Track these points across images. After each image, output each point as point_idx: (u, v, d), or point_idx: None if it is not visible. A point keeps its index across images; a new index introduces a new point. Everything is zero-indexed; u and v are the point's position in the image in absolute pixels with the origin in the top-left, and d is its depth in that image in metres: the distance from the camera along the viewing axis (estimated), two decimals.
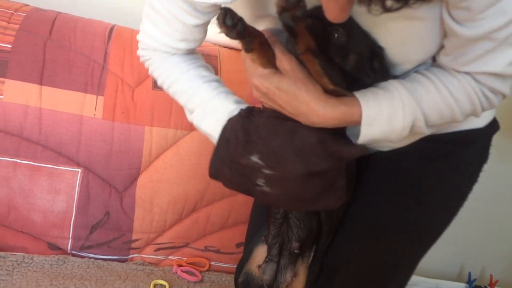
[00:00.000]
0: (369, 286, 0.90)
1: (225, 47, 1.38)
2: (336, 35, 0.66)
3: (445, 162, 0.82)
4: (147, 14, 0.80)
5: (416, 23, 0.64)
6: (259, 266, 0.91)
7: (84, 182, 1.21)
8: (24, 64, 1.18)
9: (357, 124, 0.68)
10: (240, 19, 0.62)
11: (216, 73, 1.31)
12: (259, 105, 0.81)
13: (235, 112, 0.75)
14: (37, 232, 1.19)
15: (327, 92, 0.68)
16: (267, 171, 0.71)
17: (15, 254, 1.14)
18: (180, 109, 1.24)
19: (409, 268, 0.91)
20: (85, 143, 1.20)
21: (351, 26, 0.67)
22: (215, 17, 0.63)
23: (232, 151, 0.73)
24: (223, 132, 0.74)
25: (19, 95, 1.17)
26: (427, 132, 0.70)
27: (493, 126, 0.83)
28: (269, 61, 0.68)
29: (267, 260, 0.90)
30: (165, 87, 0.85)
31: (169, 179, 1.24)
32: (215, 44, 1.37)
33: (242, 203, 1.29)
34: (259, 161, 0.71)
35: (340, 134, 0.73)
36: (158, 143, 1.24)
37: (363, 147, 0.72)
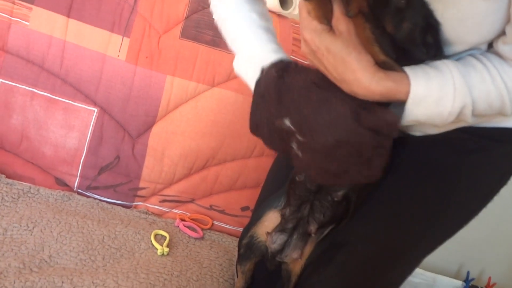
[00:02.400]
0: (370, 270, 0.86)
1: None
2: None
3: (479, 158, 0.78)
4: None
5: (478, 1, 0.60)
6: (269, 233, 0.89)
7: (98, 123, 1.19)
8: None
9: (402, 101, 0.65)
10: None
11: None
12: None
13: (269, 60, 0.73)
14: (46, 165, 1.19)
15: (377, 63, 0.64)
16: (299, 137, 0.69)
17: (22, 183, 1.15)
18: (204, 63, 1.23)
19: (415, 260, 0.88)
20: (104, 83, 1.18)
21: None
22: None
23: (268, 109, 0.71)
24: (257, 87, 0.72)
25: (45, 24, 1.15)
26: (470, 121, 0.66)
27: None
28: (326, 16, 0.64)
29: (279, 230, 0.88)
30: (218, 25, 0.86)
31: (183, 132, 1.22)
32: None
33: (253, 168, 1.27)
34: (291, 126, 0.69)
35: (381, 107, 0.67)
36: (178, 94, 1.22)
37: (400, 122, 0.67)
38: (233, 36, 0.80)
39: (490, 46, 0.67)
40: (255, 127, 0.75)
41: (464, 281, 1.72)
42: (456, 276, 1.80)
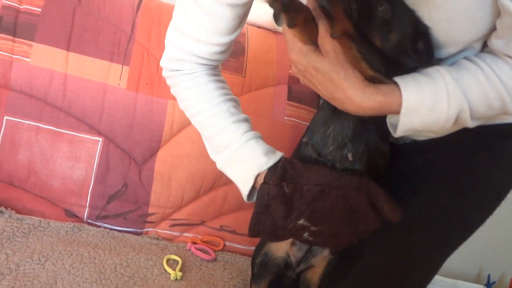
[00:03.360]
0: (388, 281, 0.85)
1: (253, 25, 1.35)
2: (380, 8, 0.62)
3: (487, 156, 0.77)
4: (180, 9, 0.80)
5: None
6: (293, 243, 0.89)
7: (104, 152, 1.20)
8: (53, 28, 1.18)
9: (396, 113, 0.64)
10: None
11: (243, 51, 1.29)
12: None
13: (265, 167, 0.75)
14: (55, 198, 1.19)
15: (366, 78, 0.64)
16: (313, 228, 0.74)
17: (32, 218, 1.15)
18: None
19: (433, 267, 0.85)
20: (107, 112, 1.20)
21: (396, 1, 0.63)
22: None
23: (275, 218, 0.74)
24: (260, 199, 0.74)
25: (45, 59, 1.17)
26: (471, 125, 0.66)
27: None
28: (311, 38, 0.65)
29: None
30: (188, 114, 0.86)
31: (188, 155, 1.23)
32: None
33: None
34: (306, 223, 0.73)
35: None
36: (180, 117, 1.22)
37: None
38: (215, 131, 0.81)
39: (485, 45, 0.66)
40: (256, 233, 0.77)
41: (486, 285, 1.68)
42: (476, 281, 1.76)
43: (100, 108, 1.19)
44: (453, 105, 0.62)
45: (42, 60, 1.16)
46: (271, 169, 0.75)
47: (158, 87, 1.22)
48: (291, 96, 1.31)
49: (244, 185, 0.79)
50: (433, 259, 0.84)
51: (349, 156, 0.74)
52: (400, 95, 0.63)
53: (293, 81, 1.32)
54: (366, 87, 0.63)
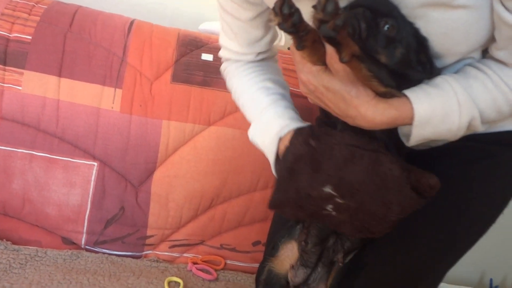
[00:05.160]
0: None
1: None
2: (386, 26, 0.61)
3: (487, 165, 0.77)
4: (221, 26, 0.89)
5: (459, 12, 0.60)
6: (292, 267, 0.87)
7: (99, 176, 1.19)
8: (43, 55, 1.17)
9: (409, 125, 0.65)
10: (297, 10, 0.58)
11: None
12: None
13: (286, 129, 0.73)
14: (51, 226, 1.18)
15: (378, 94, 0.64)
16: (339, 200, 0.68)
17: (29, 248, 1.13)
18: (198, 104, 1.24)
19: (437, 277, 0.85)
20: (101, 136, 1.19)
21: (397, 16, 0.63)
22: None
23: (299, 183, 0.69)
24: (283, 162, 0.70)
25: (37, 86, 1.16)
26: (482, 129, 0.67)
27: None
28: (320, 59, 0.64)
29: (302, 264, 0.86)
30: (235, 100, 0.90)
31: (185, 175, 1.22)
32: None
33: (260, 201, 1.26)
34: (332, 192, 0.67)
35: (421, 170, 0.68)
36: (175, 137, 1.22)
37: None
38: (248, 106, 0.83)
39: (485, 52, 0.67)
40: (278, 204, 0.72)
41: None
42: (478, 286, 1.75)
43: (94, 132, 1.19)
44: (464, 114, 0.63)
45: (33, 88, 1.16)
46: (297, 131, 0.72)
47: (152, 108, 1.22)
48: None
49: (269, 152, 0.77)
50: (437, 270, 0.84)
51: None
52: (412, 108, 0.63)
53: None
54: (378, 103, 0.64)
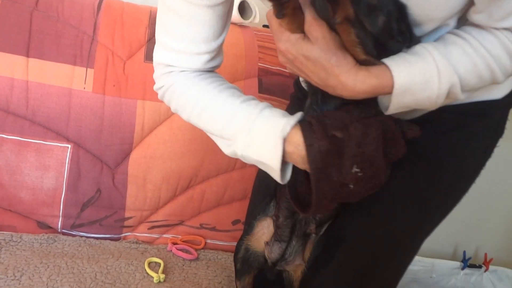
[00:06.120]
0: (371, 263, 0.85)
1: None
2: None
3: (459, 135, 0.77)
4: (160, 24, 0.76)
5: None
6: (267, 243, 0.87)
7: (74, 158, 1.16)
8: (9, 35, 1.13)
9: (389, 94, 0.64)
10: None
11: None
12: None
13: (288, 127, 0.67)
14: (26, 211, 1.15)
15: (358, 62, 0.63)
16: (360, 174, 0.67)
17: (3, 233, 1.10)
18: None
19: (414, 247, 0.87)
20: (74, 117, 1.16)
21: None
22: None
23: (332, 178, 0.67)
24: (314, 164, 0.66)
25: (4, 67, 1.12)
26: (462, 97, 0.66)
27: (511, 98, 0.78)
28: (299, 26, 0.63)
29: (276, 239, 0.86)
30: (194, 116, 0.77)
31: (162, 155, 1.20)
32: None
33: (238, 180, 1.26)
34: (357, 169, 0.66)
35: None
36: (151, 117, 1.20)
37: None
38: (227, 118, 0.72)
39: (460, 21, 0.67)
40: (321, 207, 0.70)
41: (462, 261, 1.73)
42: (453, 258, 1.80)
43: (66, 113, 1.15)
44: (444, 81, 0.62)
45: (1, 68, 1.12)
46: (304, 129, 0.67)
47: (126, 88, 1.19)
48: (262, 89, 1.30)
49: (272, 158, 0.69)
50: (413, 241, 0.85)
51: None
52: (391, 76, 0.62)
53: (263, 73, 1.31)
54: (359, 71, 0.63)
